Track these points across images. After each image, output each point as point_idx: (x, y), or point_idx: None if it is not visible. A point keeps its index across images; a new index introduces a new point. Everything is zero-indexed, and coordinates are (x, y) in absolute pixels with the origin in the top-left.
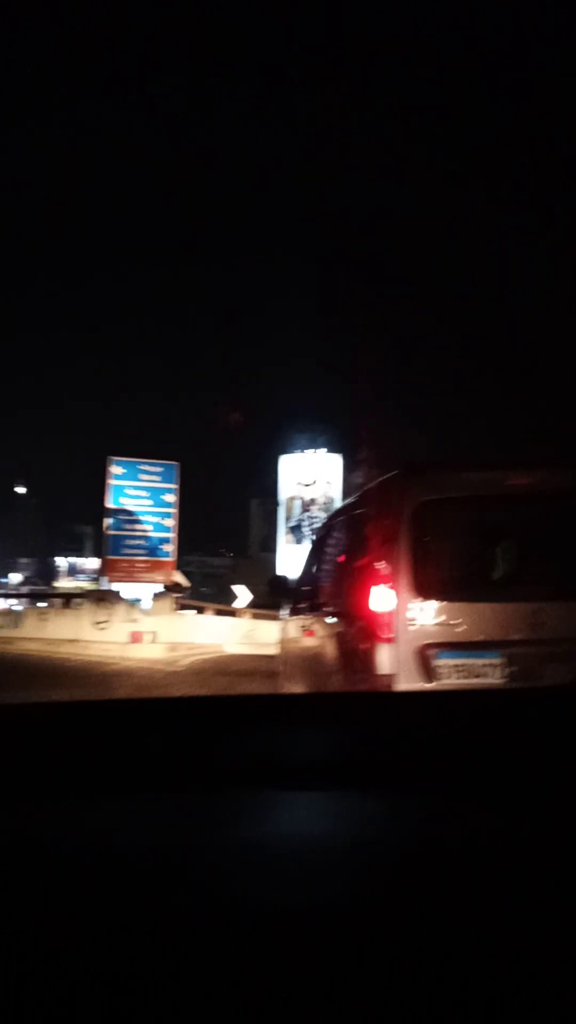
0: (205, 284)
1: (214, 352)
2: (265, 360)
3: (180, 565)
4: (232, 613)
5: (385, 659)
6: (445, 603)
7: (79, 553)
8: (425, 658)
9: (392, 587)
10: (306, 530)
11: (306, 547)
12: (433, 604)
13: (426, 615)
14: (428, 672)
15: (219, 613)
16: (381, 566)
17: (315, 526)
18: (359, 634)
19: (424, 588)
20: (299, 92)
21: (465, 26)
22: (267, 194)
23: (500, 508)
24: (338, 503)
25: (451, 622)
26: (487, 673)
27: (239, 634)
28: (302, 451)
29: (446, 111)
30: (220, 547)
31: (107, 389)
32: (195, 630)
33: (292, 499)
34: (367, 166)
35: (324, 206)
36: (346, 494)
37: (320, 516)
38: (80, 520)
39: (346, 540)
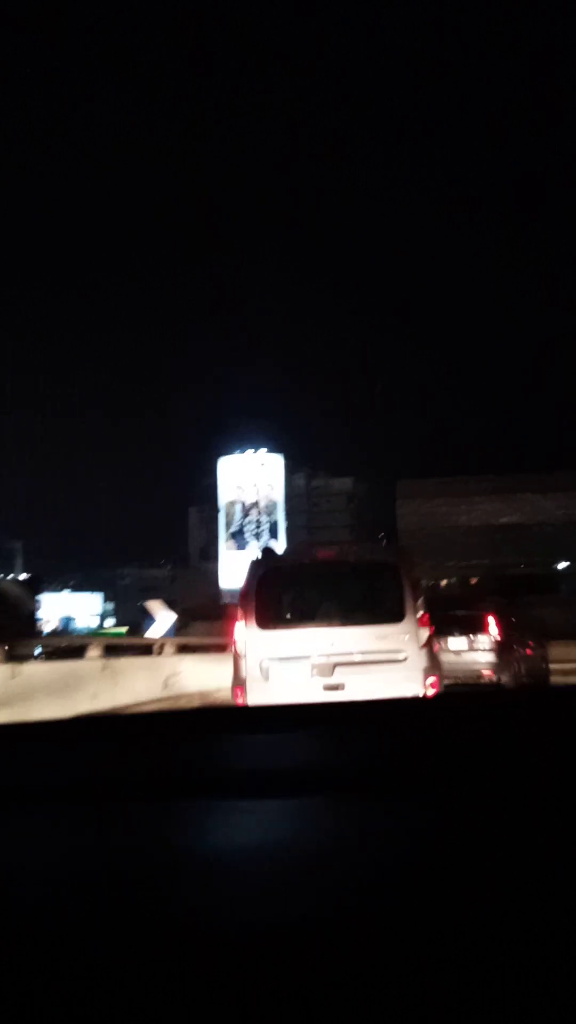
0: (132, 279)
1: (151, 349)
2: (203, 355)
3: (112, 578)
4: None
5: (241, 667)
6: (274, 631)
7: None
8: (263, 666)
9: (245, 622)
10: (248, 536)
11: (250, 553)
12: (268, 632)
13: (263, 639)
14: (265, 675)
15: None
16: (240, 609)
17: (259, 532)
18: (233, 651)
19: (262, 622)
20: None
21: (465, 31)
22: (198, 182)
23: (311, 572)
24: (281, 506)
25: (278, 643)
26: (301, 673)
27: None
28: (241, 452)
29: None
30: (158, 557)
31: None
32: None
33: (232, 503)
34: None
35: (267, 201)
36: (290, 497)
37: (263, 520)
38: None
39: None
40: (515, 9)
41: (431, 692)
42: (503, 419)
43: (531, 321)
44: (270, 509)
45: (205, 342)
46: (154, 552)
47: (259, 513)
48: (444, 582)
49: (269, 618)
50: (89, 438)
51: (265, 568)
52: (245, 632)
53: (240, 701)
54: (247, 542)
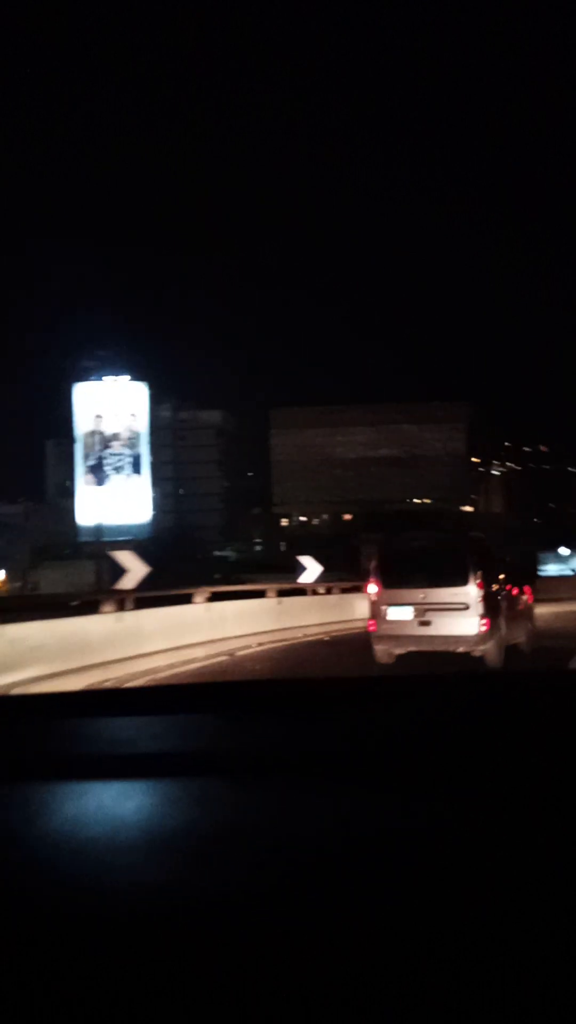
0: None
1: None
2: (57, 275)
3: None
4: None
5: (372, 609)
6: (390, 589)
7: None
8: (384, 610)
9: (375, 583)
10: (109, 469)
11: (112, 489)
12: (387, 590)
13: (384, 594)
14: (385, 615)
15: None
16: (372, 575)
17: (120, 465)
18: (369, 600)
19: (385, 583)
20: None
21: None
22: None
23: (412, 553)
24: (145, 439)
25: (392, 596)
26: (406, 614)
27: None
28: (100, 378)
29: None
30: (16, 493)
31: None
32: None
33: (91, 434)
34: None
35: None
36: (155, 430)
37: (125, 453)
38: None
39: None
40: (515, 9)
41: (484, 630)
42: (382, 347)
43: (410, 245)
44: (133, 442)
45: (61, 264)
46: (11, 487)
47: (121, 445)
48: (317, 519)
49: (388, 581)
50: None
51: (384, 550)
52: (375, 589)
53: (372, 629)
54: (107, 476)
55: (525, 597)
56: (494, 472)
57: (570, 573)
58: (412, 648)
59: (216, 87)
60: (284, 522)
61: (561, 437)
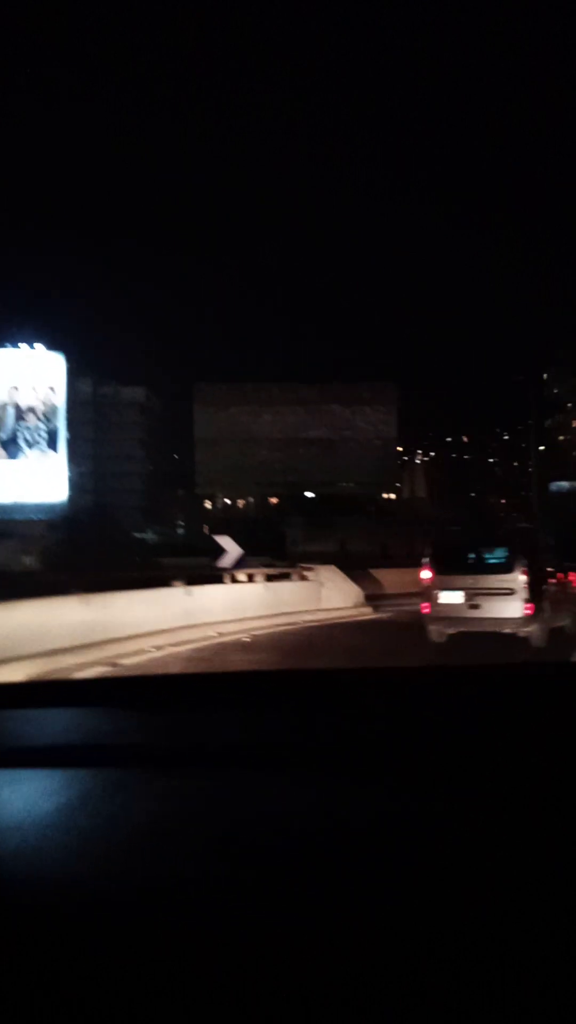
0: None
1: None
2: None
3: None
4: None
5: (426, 593)
6: (443, 576)
7: None
8: (437, 594)
9: (429, 570)
10: (23, 443)
11: (25, 464)
12: (440, 576)
13: (437, 580)
14: (437, 599)
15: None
16: (427, 563)
17: (35, 440)
18: (423, 585)
19: (437, 570)
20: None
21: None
22: None
23: (463, 544)
24: (63, 413)
25: (445, 582)
26: (457, 598)
27: None
28: (14, 346)
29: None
30: None
31: None
32: None
33: (3, 406)
34: None
35: None
36: (74, 405)
37: (41, 428)
38: None
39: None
40: (515, 9)
41: (528, 613)
42: (311, 324)
43: (340, 223)
44: (49, 415)
45: None
46: None
47: (36, 418)
48: (242, 502)
49: (441, 569)
50: None
51: (437, 540)
52: (428, 575)
53: (425, 612)
54: (21, 450)
55: (570, 583)
56: (417, 460)
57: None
58: (462, 628)
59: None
60: (208, 504)
61: (483, 428)
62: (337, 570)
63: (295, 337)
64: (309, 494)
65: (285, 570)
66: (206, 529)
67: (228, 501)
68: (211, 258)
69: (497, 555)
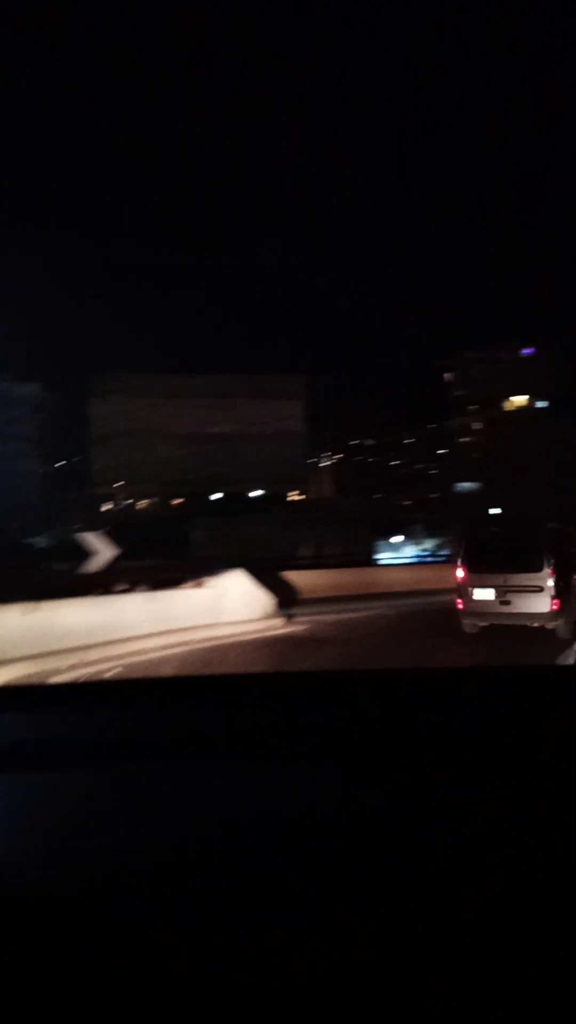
0: None
1: None
2: None
3: None
4: None
5: (459, 590)
6: (475, 573)
7: None
8: (470, 590)
9: (461, 568)
10: None
11: None
12: (472, 574)
13: (470, 577)
14: (470, 595)
15: None
16: (459, 561)
17: None
18: (457, 582)
19: (470, 568)
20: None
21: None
22: None
23: (494, 542)
24: None
25: (477, 579)
26: (488, 594)
27: None
28: None
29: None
30: None
31: None
32: None
33: None
34: None
35: None
36: None
37: None
38: None
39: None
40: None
41: (554, 608)
42: (215, 314)
43: (246, 205)
44: None
45: None
46: None
47: None
48: (146, 502)
49: (473, 566)
50: None
51: (469, 539)
52: (461, 573)
53: (460, 606)
54: None
55: None
56: (324, 462)
57: (409, 560)
58: (493, 622)
59: None
60: (109, 505)
61: (387, 431)
62: (244, 574)
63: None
64: (216, 494)
65: (177, 575)
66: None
67: (132, 501)
68: (114, 245)
69: (526, 554)
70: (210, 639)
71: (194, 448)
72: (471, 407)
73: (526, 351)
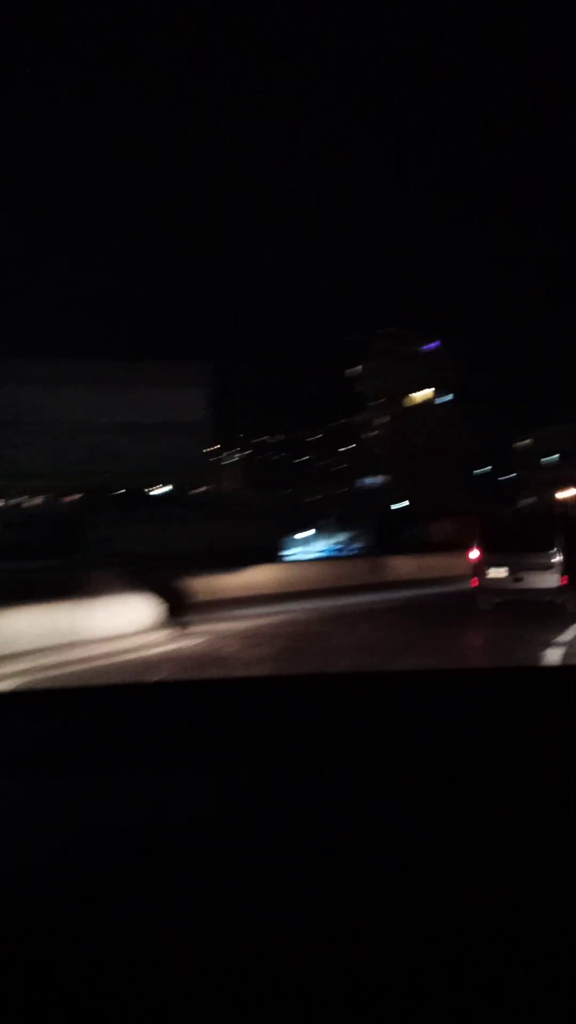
0: None
1: None
2: None
3: None
4: None
5: (476, 568)
6: (490, 553)
7: None
8: (485, 569)
9: (478, 549)
10: None
11: None
12: (487, 554)
13: (485, 557)
14: (485, 574)
15: None
16: (476, 543)
17: None
18: (473, 562)
19: (485, 549)
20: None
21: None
22: None
23: (506, 525)
24: None
25: (491, 558)
26: (502, 572)
27: None
28: None
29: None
30: None
31: None
32: None
33: None
34: None
35: None
36: None
37: None
38: None
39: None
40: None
41: (563, 583)
42: (122, 295)
43: (148, 185)
44: None
45: None
46: None
47: None
48: (38, 499)
49: (488, 547)
50: None
51: (485, 522)
52: (477, 554)
53: (475, 584)
54: None
55: None
56: (231, 458)
57: (321, 555)
58: (508, 598)
59: None
60: None
61: (293, 428)
62: (123, 577)
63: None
64: (115, 490)
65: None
66: None
67: (27, 496)
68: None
69: (537, 536)
70: (70, 664)
71: (89, 440)
72: (376, 401)
73: (430, 345)
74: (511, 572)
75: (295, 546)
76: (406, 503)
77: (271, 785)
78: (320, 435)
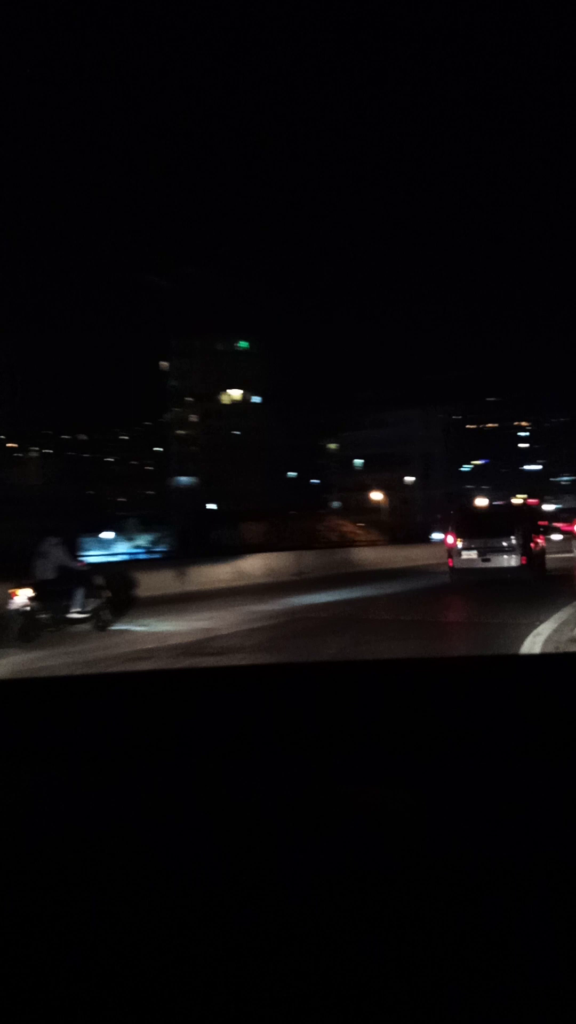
0: None
1: None
2: None
3: None
4: None
5: (450, 553)
6: (462, 538)
7: None
8: (458, 552)
9: (452, 535)
10: None
11: None
12: (461, 539)
13: (458, 542)
14: (459, 555)
15: None
16: (450, 529)
17: None
18: (447, 547)
19: (459, 535)
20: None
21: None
22: None
23: (477, 514)
24: None
25: (464, 542)
26: (473, 554)
27: None
28: None
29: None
30: None
31: None
32: None
33: None
34: None
35: None
36: None
37: None
38: None
39: (454, 520)
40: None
41: (523, 562)
42: None
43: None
44: None
45: None
46: None
47: None
48: None
49: (461, 533)
50: None
51: (458, 513)
52: (452, 540)
53: (451, 565)
54: None
55: (543, 544)
56: (31, 454)
57: (121, 558)
58: (478, 577)
59: None
60: None
61: (101, 427)
62: None
63: None
64: None
65: None
66: None
67: None
68: None
69: (501, 524)
70: None
71: None
72: (187, 399)
73: (240, 345)
74: (480, 554)
75: (94, 547)
76: (214, 506)
77: (254, 776)
78: (128, 437)
